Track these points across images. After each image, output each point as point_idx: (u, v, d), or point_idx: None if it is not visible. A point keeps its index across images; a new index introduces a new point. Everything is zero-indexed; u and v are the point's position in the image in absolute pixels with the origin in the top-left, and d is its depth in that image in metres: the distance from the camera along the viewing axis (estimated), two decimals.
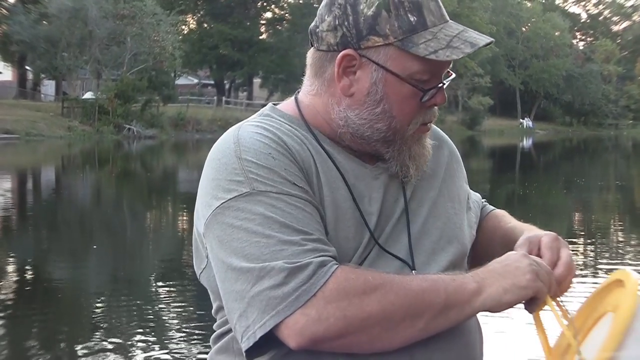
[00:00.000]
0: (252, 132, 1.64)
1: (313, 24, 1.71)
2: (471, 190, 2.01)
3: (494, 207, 2.07)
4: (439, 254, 1.70)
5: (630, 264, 10.60)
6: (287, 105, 1.78)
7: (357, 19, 1.61)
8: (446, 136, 1.95)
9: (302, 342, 1.45)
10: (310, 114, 1.72)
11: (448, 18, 1.67)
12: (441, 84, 1.66)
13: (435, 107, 1.70)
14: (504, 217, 2.00)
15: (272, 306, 1.45)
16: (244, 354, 1.51)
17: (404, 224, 1.69)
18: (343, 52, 1.62)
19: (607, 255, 11.43)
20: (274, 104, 1.79)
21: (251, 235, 1.50)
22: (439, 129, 1.92)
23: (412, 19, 1.61)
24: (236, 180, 1.56)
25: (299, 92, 1.79)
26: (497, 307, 1.55)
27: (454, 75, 1.71)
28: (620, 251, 11.96)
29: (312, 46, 1.72)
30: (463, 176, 1.94)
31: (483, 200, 2.09)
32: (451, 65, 1.68)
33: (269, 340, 1.48)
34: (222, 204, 1.55)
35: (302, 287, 1.45)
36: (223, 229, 1.53)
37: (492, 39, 1.65)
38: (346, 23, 1.62)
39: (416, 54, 1.59)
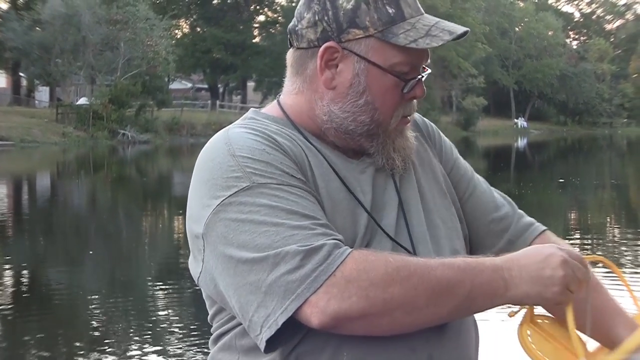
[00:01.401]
0: (241, 132, 1.64)
1: (292, 23, 1.73)
2: (510, 201, 1.93)
3: (544, 227, 1.93)
4: (437, 242, 1.71)
5: (626, 261, 10.61)
6: (271, 108, 1.79)
7: (337, 13, 1.64)
8: (417, 119, 1.91)
9: (325, 320, 1.44)
10: (295, 114, 1.74)
11: (423, 11, 1.70)
12: (420, 76, 1.69)
13: (415, 101, 1.72)
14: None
15: (292, 290, 1.43)
16: (263, 346, 1.48)
17: (400, 214, 1.70)
18: (325, 44, 1.64)
19: (603, 252, 11.42)
20: (256, 109, 1.80)
21: (259, 226, 1.49)
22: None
23: (390, 11, 1.64)
24: (234, 177, 1.55)
25: (280, 95, 1.80)
26: (515, 304, 1.57)
27: (429, 70, 1.74)
28: (615, 248, 11.97)
29: (291, 46, 1.74)
30: (447, 157, 1.91)
31: (520, 210, 1.95)
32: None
33: (284, 333, 1.47)
34: (222, 201, 1.53)
35: (320, 268, 1.44)
36: (227, 225, 1.51)
37: (468, 29, 1.67)
38: (326, 18, 1.64)
39: (396, 44, 1.62)
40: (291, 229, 1.48)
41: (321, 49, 1.65)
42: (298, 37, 1.70)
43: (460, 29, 1.65)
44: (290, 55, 1.75)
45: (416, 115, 1.91)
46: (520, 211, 1.93)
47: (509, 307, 1.62)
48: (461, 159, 1.95)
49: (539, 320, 1.67)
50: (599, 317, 1.71)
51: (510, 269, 1.53)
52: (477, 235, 1.88)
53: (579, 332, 1.60)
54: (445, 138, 1.95)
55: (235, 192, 1.53)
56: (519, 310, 1.66)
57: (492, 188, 1.95)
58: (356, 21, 1.63)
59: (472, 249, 1.87)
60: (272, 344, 1.48)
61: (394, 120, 1.68)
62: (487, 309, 1.59)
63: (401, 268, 1.47)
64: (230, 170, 1.56)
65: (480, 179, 1.94)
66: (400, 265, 1.47)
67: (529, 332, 1.63)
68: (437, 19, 1.67)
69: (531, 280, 1.53)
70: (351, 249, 1.49)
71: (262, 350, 1.49)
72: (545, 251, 1.57)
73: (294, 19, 1.72)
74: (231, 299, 1.53)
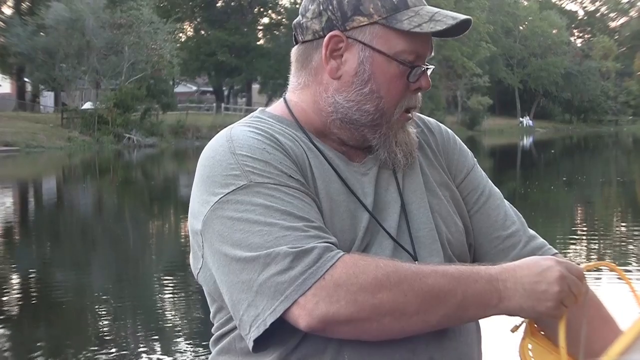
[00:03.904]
0: (244, 131, 1.66)
1: (296, 19, 1.74)
2: (520, 219, 1.88)
3: (555, 251, 1.87)
4: (439, 245, 1.70)
5: (632, 258, 10.59)
6: (276, 107, 1.80)
7: (341, 2, 1.66)
8: (426, 119, 1.91)
9: (312, 323, 1.44)
10: (300, 111, 1.74)
11: (425, 3, 1.71)
12: (425, 67, 1.69)
13: (419, 94, 1.72)
14: None
15: (281, 291, 1.44)
16: (251, 346, 1.49)
17: (402, 215, 1.69)
18: (330, 33, 1.65)
19: (609, 250, 11.40)
20: (262, 108, 1.81)
21: (253, 225, 1.50)
22: (426, 118, 1.91)
23: None
24: (233, 175, 1.56)
25: (286, 93, 1.81)
26: (508, 315, 1.56)
27: (433, 67, 1.74)
28: (622, 246, 11.95)
29: (296, 43, 1.75)
30: (461, 165, 1.89)
31: (529, 229, 1.89)
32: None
33: (275, 334, 1.47)
34: (220, 198, 1.55)
35: (309, 270, 1.44)
36: (223, 223, 1.53)
37: (470, 17, 1.68)
38: (330, 7, 1.66)
39: (401, 29, 1.63)
40: (284, 230, 1.49)
41: (326, 38, 1.66)
42: (303, 31, 1.72)
43: (462, 15, 1.66)
44: (294, 50, 1.76)
45: (433, 122, 1.92)
46: (532, 232, 1.88)
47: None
48: (478, 170, 1.91)
49: (542, 332, 1.66)
50: (590, 332, 1.66)
51: (505, 280, 1.53)
52: (481, 250, 1.84)
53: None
54: (464, 147, 1.92)
55: (233, 190, 1.54)
56: (520, 325, 1.65)
57: (507, 204, 1.89)
58: (360, 9, 1.64)
59: (476, 261, 1.82)
60: (261, 343, 1.49)
61: (397, 111, 1.68)
62: (479, 319, 1.60)
63: (391, 274, 1.46)
64: (230, 168, 1.57)
65: (495, 193, 1.88)
66: (390, 271, 1.47)
67: (530, 346, 1.62)
68: (439, 9, 1.68)
69: (525, 293, 1.52)
70: (343, 253, 1.49)
71: (250, 349, 1.50)
72: (543, 264, 1.55)
73: (299, 15, 1.74)
74: (225, 296, 1.54)
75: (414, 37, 1.64)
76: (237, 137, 1.63)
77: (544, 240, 1.87)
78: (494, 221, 1.84)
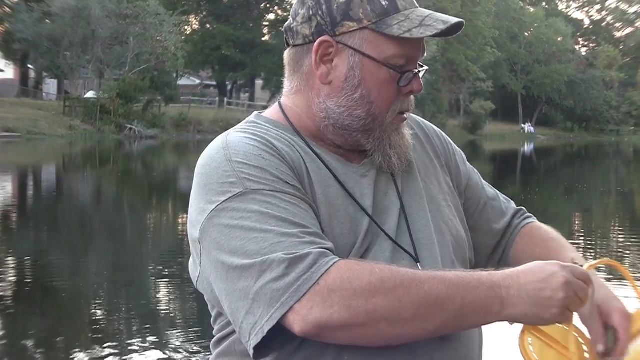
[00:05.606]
0: (240, 137, 1.65)
1: (287, 22, 1.73)
2: (500, 194, 2.00)
3: (532, 219, 1.96)
4: (440, 247, 1.70)
5: (631, 268, 10.57)
6: (272, 111, 1.80)
7: (331, 7, 1.65)
8: (422, 122, 1.93)
9: (306, 328, 1.44)
10: (295, 115, 1.74)
11: (417, 5, 1.69)
12: (417, 71, 1.68)
13: (412, 97, 1.72)
14: (549, 241, 1.95)
15: (276, 298, 1.44)
16: (252, 353, 1.49)
17: (401, 218, 1.69)
18: (320, 39, 1.64)
19: (607, 258, 11.39)
20: (258, 113, 1.81)
21: (249, 233, 1.49)
22: (420, 120, 1.93)
23: (384, 3, 1.64)
24: (229, 182, 1.56)
25: (281, 96, 1.80)
26: (512, 322, 1.54)
27: (426, 67, 1.73)
28: (620, 255, 11.94)
29: (288, 46, 1.74)
30: (452, 162, 1.92)
31: (516, 206, 2.02)
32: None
33: (275, 339, 1.47)
34: (216, 206, 1.54)
35: (304, 277, 1.44)
36: (220, 231, 1.52)
37: (462, 20, 1.66)
38: (320, 12, 1.65)
39: (390, 35, 1.62)
40: (279, 236, 1.48)
41: (315, 43, 1.65)
42: (294, 35, 1.71)
43: (453, 19, 1.63)
44: (286, 55, 1.76)
45: (428, 124, 1.94)
46: (507, 199, 2.02)
47: None
48: (472, 168, 1.95)
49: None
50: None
51: (508, 287, 1.50)
52: (480, 241, 1.90)
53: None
54: (456, 147, 1.95)
55: (229, 198, 1.54)
56: None
57: (497, 191, 1.97)
58: (350, 14, 1.63)
59: (474, 252, 1.87)
60: (261, 350, 1.49)
61: (390, 115, 1.68)
62: (480, 325, 1.59)
63: (386, 279, 1.45)
64: (226, 175, 1.57)
65: (486, 184, 1.95)
66: (385, 276, 1.46)
67: (530, 339, 1.60)
68: (431, 11, 1.67)
69: (530, 300, 1.50)
70: (338, 259, 1.48)
71: (252, 356, 1.50)
72: (548, 269, 1.53)
73: (290, 18, 1.73)
74: (224, 304, 1.53)
75: (404, 41, 1.63)
76: (233, 144, 1.63)
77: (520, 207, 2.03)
78: (495, 215, 1.95)
